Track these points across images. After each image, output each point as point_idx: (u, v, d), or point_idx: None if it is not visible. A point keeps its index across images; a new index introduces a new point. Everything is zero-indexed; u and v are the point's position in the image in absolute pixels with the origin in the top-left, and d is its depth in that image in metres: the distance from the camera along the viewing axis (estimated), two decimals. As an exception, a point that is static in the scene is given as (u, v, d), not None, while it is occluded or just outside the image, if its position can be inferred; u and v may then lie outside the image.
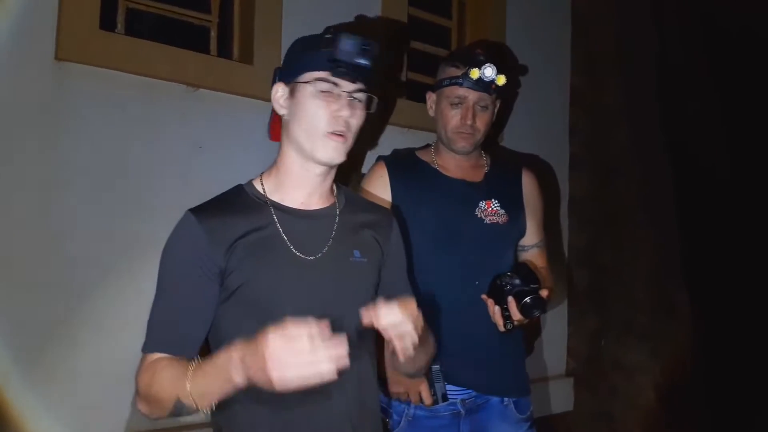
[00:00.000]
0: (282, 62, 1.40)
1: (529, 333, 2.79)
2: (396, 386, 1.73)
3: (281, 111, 1.34)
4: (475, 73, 1.82)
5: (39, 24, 1.83)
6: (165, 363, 1.21)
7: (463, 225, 1.87)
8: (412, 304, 1.18)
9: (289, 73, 1.33)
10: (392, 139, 2.47)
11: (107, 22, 2.01)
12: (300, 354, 1.04)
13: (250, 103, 2.14)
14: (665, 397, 3.09)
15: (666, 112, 3.44)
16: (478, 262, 1.85)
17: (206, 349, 1.29)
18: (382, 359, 1.45)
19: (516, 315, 1.73)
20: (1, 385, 1.74)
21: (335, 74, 1.27)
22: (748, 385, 3.52)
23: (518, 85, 2.97)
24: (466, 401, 1.86)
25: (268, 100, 1.38)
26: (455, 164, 1.96)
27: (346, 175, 2.22)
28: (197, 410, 1.17)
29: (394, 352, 1.28)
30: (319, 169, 1.33)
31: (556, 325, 3.20)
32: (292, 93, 1.31)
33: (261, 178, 1.37)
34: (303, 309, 1.24)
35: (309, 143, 1.29)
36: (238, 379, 1.09)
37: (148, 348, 1.25)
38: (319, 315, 1.26)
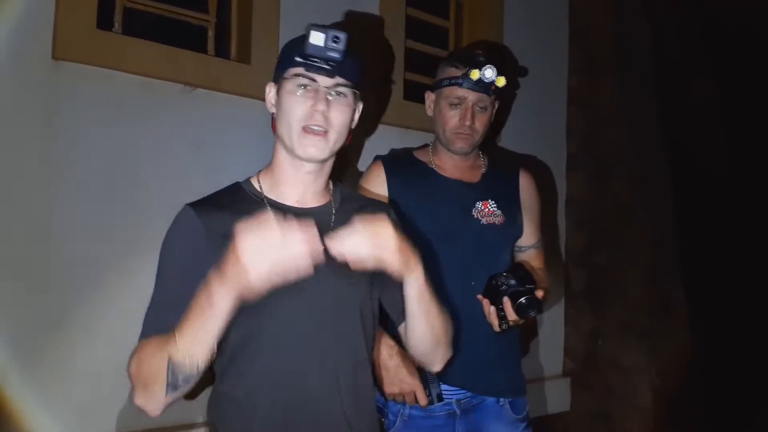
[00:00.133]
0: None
1: (526, 333, 2.80)
2: (391, 387, 1.73)
3: (271, 109, 1.36)
4: (475, 74, 1.82)
5: (36, 23, 1.83)
6: (150, 340, 1.19)
7: (459, 225, 1.87)
8: (385, 224, 1.18)
9: (276, 73, 1.35)
10: (389, 139, 2.47)
11: (104, 22, 2.02)
12: (270, 236, 1.04)
13: (248, 102, 2.15)
14: (663, 397, 3.08)
15: (664, 110, 3.42)
16: (474, 263, 1.85)
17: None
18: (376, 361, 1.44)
19: (511, 315, 1.74)
20: (1, 383, 1.74)
21: (309, 69, 1.27)
22: (746, 384, 3.51)
23: (516, 86, 2.97)
24: (462, 401, 1.86)
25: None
26: (453, 164, 1.96)
27: (344, 175, 2.23)
28: (195, 369, 1.13)
29: (406, 331, 1.31)
30: (307, 167, 1.33)
31: (553, 325, 3.20)
32: (278, 91, 1.33)
33: (258, 176, 1.38)
34: (299, 304, 1.25)
35: (289, 139, 1.30)
36: (218, 296, 1.09)
37: (143, 336, 1.24)
38: (316, 310, 1.27)
